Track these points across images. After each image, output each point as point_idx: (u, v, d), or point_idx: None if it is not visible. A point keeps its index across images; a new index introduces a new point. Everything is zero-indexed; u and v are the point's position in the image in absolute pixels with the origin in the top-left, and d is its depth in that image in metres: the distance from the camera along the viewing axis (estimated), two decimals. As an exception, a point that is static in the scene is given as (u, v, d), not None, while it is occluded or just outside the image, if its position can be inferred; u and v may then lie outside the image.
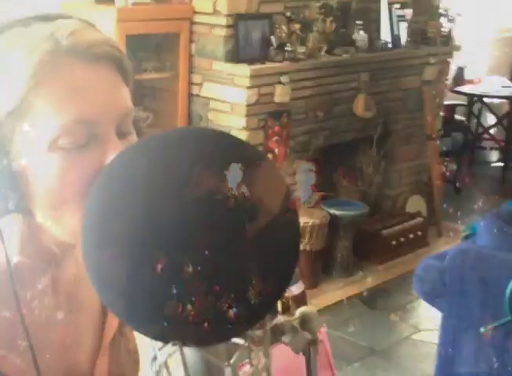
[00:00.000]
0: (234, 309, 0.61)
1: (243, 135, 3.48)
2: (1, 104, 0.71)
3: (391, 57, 4.15)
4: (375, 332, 3.33)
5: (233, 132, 3.50)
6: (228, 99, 3.49)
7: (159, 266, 0.59)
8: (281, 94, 3.55)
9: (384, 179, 4.24)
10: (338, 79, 3.86)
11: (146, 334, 0.64)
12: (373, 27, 4.11)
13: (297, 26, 3.66)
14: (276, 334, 0.67)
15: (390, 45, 4.15)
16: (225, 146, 0.67)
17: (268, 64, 3.53)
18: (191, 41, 3.59)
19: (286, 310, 1.62)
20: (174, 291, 0.61)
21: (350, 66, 3.90)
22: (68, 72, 0.72)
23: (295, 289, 1.61)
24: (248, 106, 3.44)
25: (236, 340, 0.62)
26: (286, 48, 3.59)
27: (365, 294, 3.60)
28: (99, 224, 0.64)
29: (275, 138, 3.60)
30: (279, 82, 3.54)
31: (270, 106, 3.53)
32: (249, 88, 3.42)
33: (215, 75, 3.53)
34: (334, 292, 3.61)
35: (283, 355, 1.49)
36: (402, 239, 3.99)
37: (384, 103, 4.15)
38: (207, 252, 0.60)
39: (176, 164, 0.63)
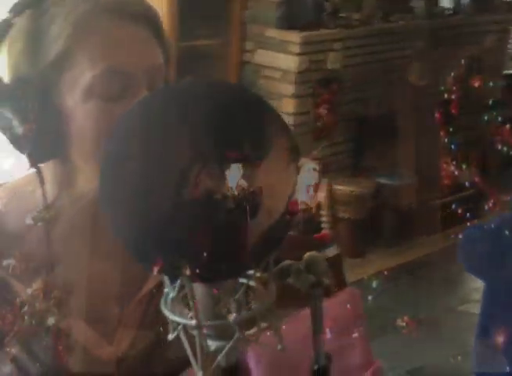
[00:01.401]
0: (234, 314, 0.61)
1: (292, 103, 3.48)
2: (45, 54, 0.78)
3: (450, 24, 4.06)
4: (419, 302, 3.32)
5: (283, 100, 3.51)
6: (278, 66, 3.49)
7: (155, 268, 0.60)
8: (332, 61, 3.52)
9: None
10: (393, 47, 3.81)
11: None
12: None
13: (352, -9, 3.63)
14: (282, 275, 0.68)
15: (449, 12, 4.05)
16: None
17: (321, 31, 3.51)
18: (244, 7, 3.59)
19: (322, 272, 1.63)
20: (171, 295, 0.60)
21: (405, 34, 3.83)
22: (105, 28, 0.78)
23: (329, 252, 1.61)
24: (298, 73, 3.43)
25: (242, 280, 0.63)
26: (339, 15, 3.56)
27: (412, 264, 3.58)
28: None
29: (324, 105, 3.59)
30: (331, 49, 3.51)
31: (320, 73, 3.52)
32: (299, 54, 3.41)
33: (267, 42, 3.53)
34: (380, 262, 3.60)
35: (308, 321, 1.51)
36: (452, 210, 3.94)
37: (440, 72, 4.07)
38: (205, 254, 0.59)
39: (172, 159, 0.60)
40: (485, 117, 3.87)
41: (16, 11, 0.79)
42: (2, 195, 0.89)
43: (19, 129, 0.77)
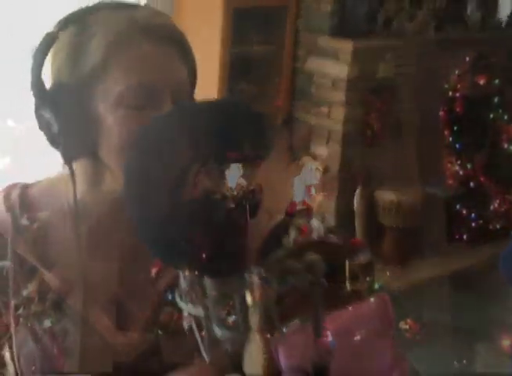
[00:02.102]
0: (233, 316, 0.65)
1: (342, 110, 3.53)
2: (84, 65, 0.88)
3: (504, 36, 4.02)
4: (462, 312, 3.32)
5: (334, 107, 3.56)
6: (330, 73, 3.54)
7: (153, 270, 0.65)
8: (384, 70, 3.55)
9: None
10: (444, 57, 3.80)
11: None
12: (489, 4, 3.99)
13: (406, 1, 3.64)
14: (283, 274, 0.75)
15: (504, 24, 4.02)
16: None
17: (373, 40, 3.54)
18: (297, 15, 3.66)
19: (354, 278, 1.68)
20: (170, 297, 0.66)
21: (458, 45, 3.83)
22: (137, 46, 0.88)
23: (363, 258, 1.66)
24: (349, 81, 3.48)
25: (246, 276, 0.70)
26: (392, 24, 3.59)
27: (455, 274, 3.57)
28: None
29: (374, 113, 3.62)
30: (383, 58, 3.55)
31: (371, 82, 3.55)
32: (351, 63, 3.45)
33: (319, 49, 3.58)
34: (422, 271, 3.61)
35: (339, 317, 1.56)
36: (499, 223, 3.90)
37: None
38: (204, 255, 0.63)
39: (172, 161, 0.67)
40: (491, 116, 3.78)
41: (61, 26, 0.90)
42: (37, 192, 0.98)
43: (56, 129, 0.86)
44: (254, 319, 0.71)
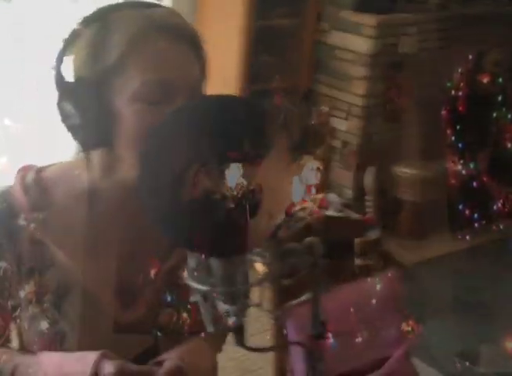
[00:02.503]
0: (233, 318, 0.67)
1: (363, 85, 3.54)
2: (104, 61, 0.93)
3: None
4: (478, 287, 3.34)
5: (355, 82, 3.58)
6: (352, 47, 3.55)
7: (152, 272, 0.67)
8: (406, 45, 3.55)
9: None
10: (470, 32, 3.78)
11: None
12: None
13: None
14: (285, 256, 0.80)
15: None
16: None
17: (396, 14, 3.53)
18: (321, -12, 3.66)
19: (364, 254, 1.74)
20: (169, 298, 0.69)
21: (485, 21, 3.80)
22: (154, 44, 0.93)
23: (373, 234, 1.72)
24: (371, 55, 3.48)
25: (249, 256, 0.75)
26: (416, -1, 3.58)
27: (472, 250, 3.59)
28: None
29: (395, 89, 3.63)
30: (405, 33, 3.54)
31: (393, 56, 3.55)
32: (373, 37, 3.45)
33: (342, 23, 3.58)
34: (441, 246, 3.64)
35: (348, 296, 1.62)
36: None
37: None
38: (203, 256, 0.67)
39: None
40: (494, 115, 3.71)
41: (84, 23, 0.95)
42: (51, 175, 1.02)
43: (76, 120, 0.91)
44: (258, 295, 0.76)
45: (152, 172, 0.76)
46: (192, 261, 0.75)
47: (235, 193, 0.68)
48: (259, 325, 2.49)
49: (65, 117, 0.94)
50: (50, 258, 0.94)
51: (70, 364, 0.91)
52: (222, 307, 0.72)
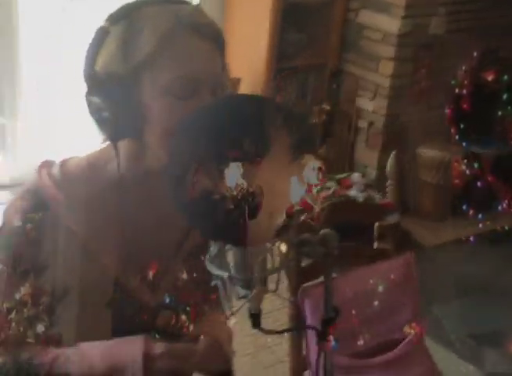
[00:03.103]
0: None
1: (391, 65, 3.53)
2: (133, 57, 0.97)
3: None
4: (498, 271, 3.35)
5: (383, 62, 3.57)
6: (381, 27, 3.53)
7: (150, 273, 0.69)
8: (436, 26, 3.53)
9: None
10: (502, 14, 3.73)
11: None
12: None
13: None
14: (300, 246, 0.84)
15: None
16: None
17: (427, -6, 3.51)
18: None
19: (382, 238, 1.78)
20: (167, 300, 0.71)
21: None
22: (182, 41, 0.97)
23: (392, 219, 1.75)
24: (400, 36, 3.47)
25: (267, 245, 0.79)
26: (448, -21, 3.53)
27: (493, 234, 3.59)
28: None
29: (423, 70, 3.61)
30: (435, 14, 3.51)
31: (423, 37, 3.53)
32: (403, 17, 3.44)
33: (372, 3, 3.57)
34: (462, 229, 3.64)
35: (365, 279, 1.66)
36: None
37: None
38: (202, 257, 0.69)
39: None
40: (499, 113, 3.63)
41: (112, 21, 0.99)
42: (76, 168, 1.06)
43: (105, 113, 0.95)
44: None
45: (179, 162, 0.81)
46: (213, 248, 0.80)
47: (234, 193, 0.71)
48: (276, 303, 2.55)
49: (94, 111, 0.97)
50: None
51: (119, 347, 0.92)
52: (240, 292, 0.77)
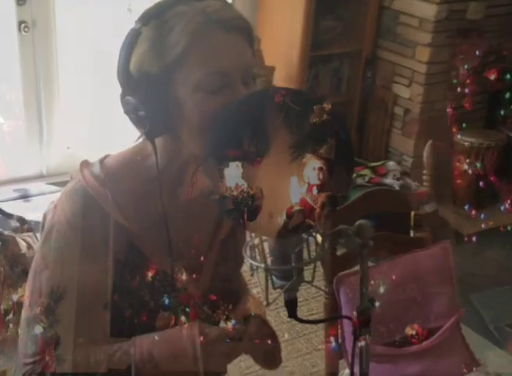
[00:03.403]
0: (232, 322, 0.70)
1: (427, 52, 3.50)
2: (165, 55, 0.99)
3: None
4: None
5: (419, 48, 3.53)
6: (417, 13, 3.50)
7: (149, 274, 0.68)
8: (473, 11, 3.48)
9: None
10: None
11: None
12: None
13: None
14: (335, 237, 0.85)
15: None
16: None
17: (464, -21, 3.45)
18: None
19: (419, 226, 1.77)
20: (167, 302, 0.70)
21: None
22: (213, 37, 0.99)
23: (428, 208, 1.74)
24: (437, 22, 3.43)
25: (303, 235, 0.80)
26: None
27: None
28: None
29: (461, 56, 3.56)
30: (473, -2, 3.46)
31: (459, 23, 3.49)
32: (439, 3, 3.39)
33: (408, -12, 3.53)
34: (500, 217, 3.60)
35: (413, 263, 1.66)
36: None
37: None
38: (202, 258, 0.69)
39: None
40: (502, 112, 3.53)
41: (143, 21, 1.01)
42: (113, 162, 1.08)
43: (141, 112, 0.97)
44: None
45: (214, 155, 0.82)
46: (251, 239, 0.81)
47: (234, 193, 0.72)
48: (312, 292, 2.55)
49: (129, 110, 0.99)
50: (99, 255, 0.95)
51: (175, 334, 0.93)
52: (277, 283, 0.78)
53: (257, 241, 0.79)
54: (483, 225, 3.22)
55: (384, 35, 3.70)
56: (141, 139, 1.05)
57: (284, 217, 0.75)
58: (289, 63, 3.58)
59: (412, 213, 1.72)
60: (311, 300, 2.61)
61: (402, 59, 3.62)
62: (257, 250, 0.79)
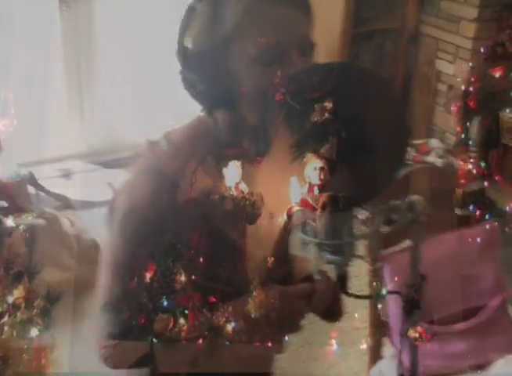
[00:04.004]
0: (232, 324, 0.66)
1: (473, 27, 3.42)
2: (219, 31, 1.00)
3: None
4: None
5: (463, 23, 3.46)
6: (463, -13, 3.42)
7: (147, 275, 0.65)
8: (521, -16, 3.38)
9: None
10: None
11: None
12: None
13: None
14: (387, 212, 0.84)
15: None
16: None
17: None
18: None
19: (465, 204, 1.75)
20: (165, 304, 0.68)
21: None
22: (266, 10, 0.99)
23: (474, 185, 1.72)
24: (483, -5, 3.35)
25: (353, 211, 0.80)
26: None
27: None
28: None
29: (508, 31, 3.48)
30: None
31: (507, -3, 3.40)
32: (486, -24, 3.32)
33: (453, -39, 3.45)
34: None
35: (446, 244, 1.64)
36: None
37: None
38: (201, 259, 0.66)
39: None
40: (507, 111, 3.38)
41: None
42: (182, 135, 1.07)
43: (200, 86, 0.98)
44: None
45: (269, 124, 0.82)
46: (303, 214, 0.81)
47: (234, 193, 0.69)
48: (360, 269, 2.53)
49: (188, 85, 1.01)
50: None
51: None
52: (329, 258, 0.78)
53: (310, 216, 0.79)
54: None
55: (428, 10, 3.63)
56: (202, 113, 1.05)
57: (285, 217, 0.74)
58: (331, 41, 3.54)
59: (460, 191, 1.70)
60: (354, 278, 2.60)
61: (446, 35, 3.55)
62: (309, 225, 0.79)
